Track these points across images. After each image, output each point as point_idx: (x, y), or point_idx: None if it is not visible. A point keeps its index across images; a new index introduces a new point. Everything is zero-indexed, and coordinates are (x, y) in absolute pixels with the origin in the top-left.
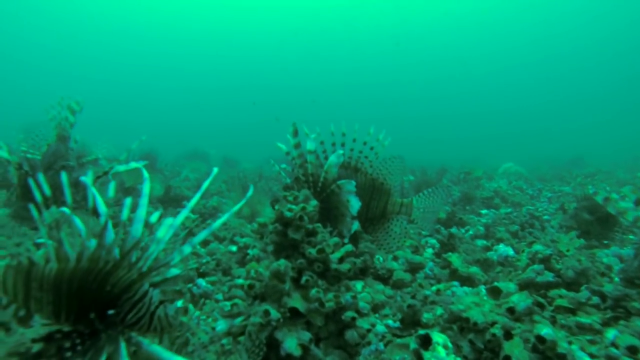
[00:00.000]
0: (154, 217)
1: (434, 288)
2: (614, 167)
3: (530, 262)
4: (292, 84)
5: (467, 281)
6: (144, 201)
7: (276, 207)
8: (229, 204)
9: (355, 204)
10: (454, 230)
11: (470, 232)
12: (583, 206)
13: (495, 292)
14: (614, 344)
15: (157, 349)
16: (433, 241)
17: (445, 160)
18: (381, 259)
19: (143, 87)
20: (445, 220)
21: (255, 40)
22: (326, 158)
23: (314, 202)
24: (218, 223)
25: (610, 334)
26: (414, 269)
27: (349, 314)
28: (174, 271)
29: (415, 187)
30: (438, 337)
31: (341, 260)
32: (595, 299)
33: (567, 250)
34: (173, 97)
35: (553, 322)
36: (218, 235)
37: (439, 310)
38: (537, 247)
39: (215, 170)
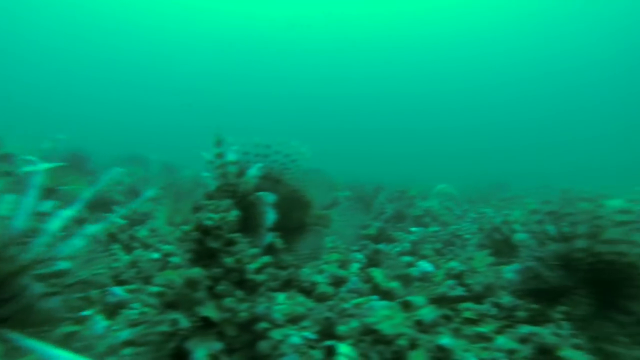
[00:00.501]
0: (44, 208)
1: (354, 302)
2: (527, 193)
3: (446, 278)
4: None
5: (387, 295)
6: (33, 192)
7: (197, 215)
8: (161, 210)
9: (271, 216)
10: (382, 246)
11: (398, 249)
12: (495, 227)
13: (407, 306)
14: (500, 350)
15: (31, 342)
16: (360, 256)
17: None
18: (306, 271)
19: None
20: (375, 236)
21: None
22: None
23: (235, 212)
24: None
25: (500, 340)
26: (337, 282)
27: (263, 324)
28: (63, 264)
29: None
30: (344, 348)
31: (259, 270)
32: (494, 310)
33: (479, 267)
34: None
35: (456, 332)
36: (145, 242)
37: (355, 323)
38: (453, 263)
39: (118, 170)
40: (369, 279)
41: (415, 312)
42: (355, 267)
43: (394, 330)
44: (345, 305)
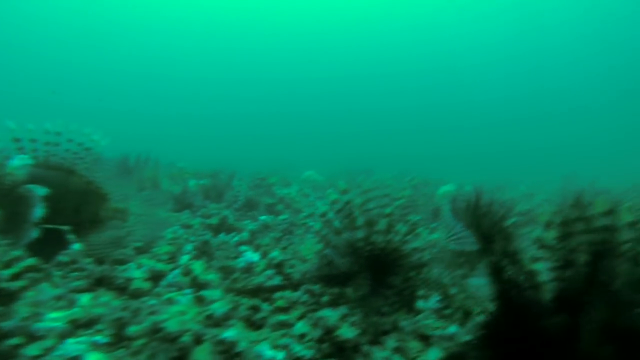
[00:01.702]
0: None
1: (166, 297)
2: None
3: (267, 267)
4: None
5: (205, 288)
6: None
7: None
8: None
9: (39, 211)
10: (222, 236)
11: (236, 239)
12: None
13: (200, 300)
14: (295, 335)
15: None
16: (190, 247)
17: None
18: (122, 267)
19: None
20: (216, 226)
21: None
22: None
23: None
24: None
25: (298, 326)
26: (156, 277)
27: (14, 340)
28: None
29: (204, 191)
30: (93, 357)
31: (17, 276)
32: (305, 297)
33: (307, 255)
34: None
35: (251, 323)
36: None
37: (147, 322)
38: (275, 253)
39: None
40: (187, 272)
41: (207, 307)
42: (185, 258)
43: (180, 327)
44: (152, 302)
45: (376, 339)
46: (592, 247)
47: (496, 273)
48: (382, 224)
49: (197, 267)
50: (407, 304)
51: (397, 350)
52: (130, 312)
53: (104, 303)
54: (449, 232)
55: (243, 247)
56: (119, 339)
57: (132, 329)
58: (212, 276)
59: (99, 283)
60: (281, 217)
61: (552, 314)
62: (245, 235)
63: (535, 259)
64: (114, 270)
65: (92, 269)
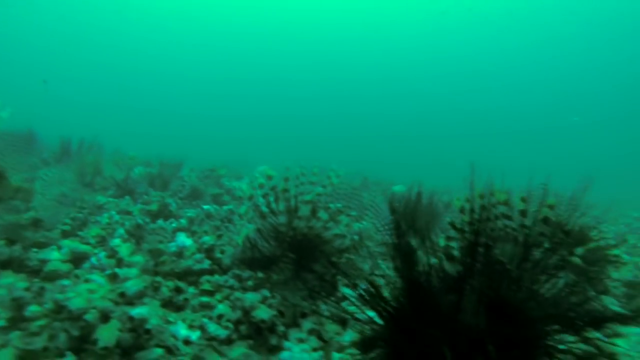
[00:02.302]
0: None
1: (84, 278)
2: None
3: (197, 252)
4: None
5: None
6: None
7: None
8: None
9: None
10: (160, 222)
11: (174, 225)
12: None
13: (114, 278)
14: (213, 316)
15: None
16: (122, 231)
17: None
18: (39, 250)
19: None
20: (156, 213)
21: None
22: None
23: None
24: None
25: (219, 307)
26: (78, 259)
27: None
28: None
29: (150, 179)
30: None
31: None
32: (232, 282)
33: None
34: None
35: (169, 302)
36: None
37: (49, 303)
38: (206, 238)
39: None
40: (112, 254)
41: (120, 285)
42: (116, 242)
43: (87, 305)
44: (65, 282)
45: (295, 321)
46: (489, 231)
47: (410, 258)
48: (304, 210)
49: (124, 249)
50: (329, 289)
51: (313, 332)
52: (32, 292)
53: (6, 285)
54: (380, 222)
55: (179, 234)
56: (15, 321)
57: (31, 309)
58: (138, 258)
59: (6, 265)
60: (226, 207)
61: (447, 292)
62: (183, 222)
63: (450, 238)
64: (27, 252)
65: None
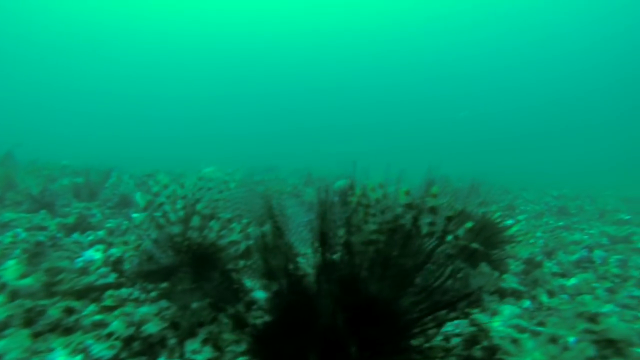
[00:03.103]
0: None
1: None
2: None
3: (103, 265)
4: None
5: (15, 295)
6: None
7: None
8: None
9: None
10: (76, 235)
11: (91, 238)
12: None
13: None
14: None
15: None
16: (18, 252)
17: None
18: None
19: None
20: (72, 225)
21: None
22: None
23: None
24: None
25: (113, 325)
26: None
27: None
28: None
29: (74, 190)
30: None
31: None
32: (137, 294)
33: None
34: None
35: (56, 326)
36: None
37: None
38: (114, 250)
39: None
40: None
41: None
42: (9, 264)
43: None
44: None
45: (191, 332)
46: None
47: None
48: (195, 221)
49: (10, 272)
50: (228, 296)
51: (208, 341)
52: None
53: None
54: (292, 224)
55: (97, 246)
56: None
57: None
58: (28, 281)
59: None
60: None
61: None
62: (101, 233)
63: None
64: None
65: None
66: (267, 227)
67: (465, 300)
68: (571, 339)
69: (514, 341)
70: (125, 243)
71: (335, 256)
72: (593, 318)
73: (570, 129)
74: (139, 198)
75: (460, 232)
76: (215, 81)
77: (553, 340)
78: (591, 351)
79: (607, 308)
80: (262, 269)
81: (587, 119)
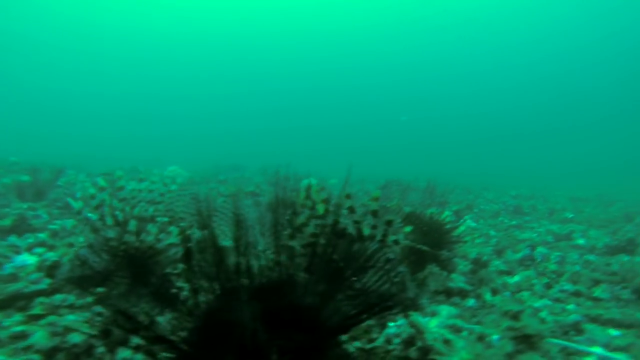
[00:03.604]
0: None
1: None
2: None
3: (36, 271)
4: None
5: None
6: None
7: None
8: None
9: None
10: (12, 238)
11: (30, 240)
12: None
13: None
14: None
15: None
16: None
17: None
18: None
19: None
20: (9, 228)
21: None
22: None
23: None
24: None
25: (36, 335)
26: None
27: None
28: None
29: (18, 189)
30: None
31: None
32: (72, 299)
33: None
34: None
35: None
36: None
37: None
38: (50, 254)
39: None
40: None
41: None
42: None
43: None
44: None
45: (124, 339)
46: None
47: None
48: (132, 225)
49: None
50: (167, 301)
51: (140, 348)
52: None
53: None
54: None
55: (36, 249)
56: None
57: None
58: None
59: None
60: None
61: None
62: (42, 236)
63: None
64: None
65: None
66: (202, 231)
67: (398, 307)
68: (495, 337)
69: (446, 341)
70: (70, 245)
71: (273, 259)
72: (516, 316)
73: (537, 132)
74: (72, 201)
75: (400, 237)
76: (189, 80)
77: (480, 338)
78: (510, 347)
79: (540, 303)
80: (187, 274)
81: (551, 124)
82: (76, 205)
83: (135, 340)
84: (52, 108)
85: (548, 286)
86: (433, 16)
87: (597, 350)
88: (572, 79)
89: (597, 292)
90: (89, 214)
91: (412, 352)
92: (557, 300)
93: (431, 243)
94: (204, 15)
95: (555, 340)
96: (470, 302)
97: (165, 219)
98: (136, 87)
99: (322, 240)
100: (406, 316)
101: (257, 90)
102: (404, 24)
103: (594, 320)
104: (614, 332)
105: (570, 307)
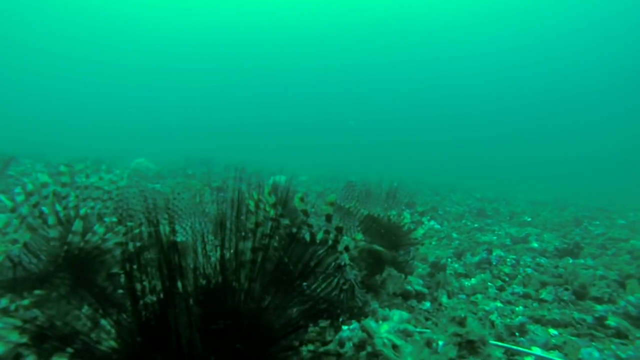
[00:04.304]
0: None
1: None
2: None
3: None
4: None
5: None
6: None
7: None
8: None
9: None
10: None
11: None
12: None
13: None
14: None
15: None
16: None
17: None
18: None
19: None
20: None
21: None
22: None
23: None
24: None
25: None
26: None
27: None
28: None
29: None
30: None
31: None
32: (5, 302)
33: None
34: None
35: None
36: None
37: None
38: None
39: None
40: None
41: None
42: None
43: None
44: None
45: (62, 344)
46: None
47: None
48: (77, 226)
49: None
50: (112, 303)
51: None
52: None
53: None
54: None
55: None
56: None
57: None
58: None
59: None
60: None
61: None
62: None
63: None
64: None
65: None
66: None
67: (345, 315)
68: (441, 343)
69: (394, 346)
70: (15, 242)
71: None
72: (461, 322)
73: (508, 136)
74: (4, 198)
75: (351, 244)
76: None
77: (428, 344)
78: (453, 353)
79: (492, 305)
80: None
81: (521, 129)
82: (9, 203)
83: (77, 346)
84: (20, 92)
85: (501, 289)
86: (408, 19)
87: (536, 351)
88: (539, 88)
89: (543, 294)
90: (25, 211)
91: (362, 356)
92: (508, 302)
93: (389, 245)
94: (181, 6)
95: (498, 343)
96: (427, 305)
97: (114, 219)
98: (111, 77)
99: (274, 243)
100: (359, 320)
101: (234, 85)
102: (382, 22)
103: (538, 321)
104: (553, 331)
105: (519, 309)
